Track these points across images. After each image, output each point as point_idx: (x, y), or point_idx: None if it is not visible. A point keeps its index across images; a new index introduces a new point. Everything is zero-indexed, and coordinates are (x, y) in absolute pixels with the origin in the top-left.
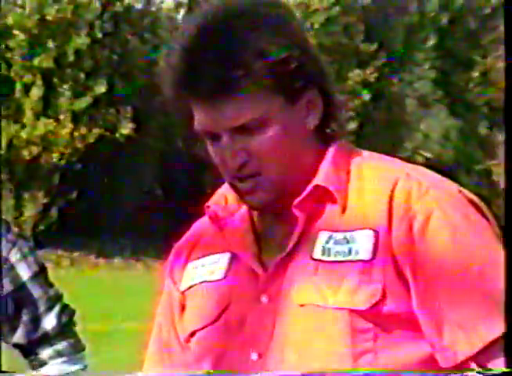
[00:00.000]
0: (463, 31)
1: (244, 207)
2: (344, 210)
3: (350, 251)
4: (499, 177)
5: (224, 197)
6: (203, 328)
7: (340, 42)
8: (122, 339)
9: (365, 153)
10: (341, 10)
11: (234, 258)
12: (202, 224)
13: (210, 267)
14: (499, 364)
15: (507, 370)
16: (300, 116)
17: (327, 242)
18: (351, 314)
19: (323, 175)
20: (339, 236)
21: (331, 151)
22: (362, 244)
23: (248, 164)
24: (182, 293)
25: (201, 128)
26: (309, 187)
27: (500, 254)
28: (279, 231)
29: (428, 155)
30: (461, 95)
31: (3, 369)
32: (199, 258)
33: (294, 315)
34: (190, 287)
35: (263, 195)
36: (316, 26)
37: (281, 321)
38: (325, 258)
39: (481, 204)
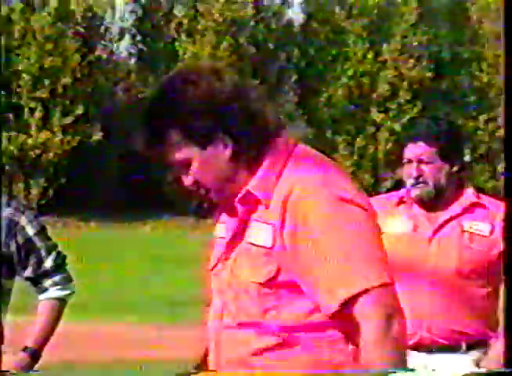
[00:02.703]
0: None
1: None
2: (267, 207)
3: (262, 239)
4: None
5: None
6: (211, 270)
7: None
8: (101, 278)
9: (301, 157)
10: None
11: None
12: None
13: (221, 229)
14: (363, 310)
15: (507, 370)
16: (214, 154)
17: (255, 230)
18: (255, 284)
19: (254, 182)
20: (261, 226)
21: (267, 161)
22: (267, 235)
23: (193, 183)
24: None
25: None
26: (243, 191)
27: (362, 237)
28: (232, 220)
29: None
30: None
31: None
32: (221, 222)
33: (231, 281)
34: (215, 237)
35: (208, 197)
36: None
37: (227, 282)
38: (252, 240)
39: (353, 198)
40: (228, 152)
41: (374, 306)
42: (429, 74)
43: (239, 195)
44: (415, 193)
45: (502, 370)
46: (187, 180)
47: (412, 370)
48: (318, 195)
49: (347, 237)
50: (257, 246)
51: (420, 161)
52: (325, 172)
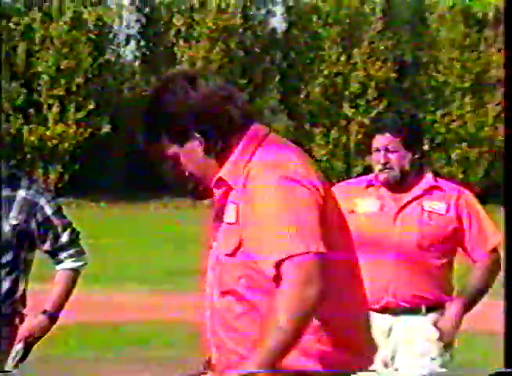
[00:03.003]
0: None
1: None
2: (236, 190)
3: (230, 216)
4: None
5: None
6: (210, 248)
7: None
8: (110, 251)
9: (270, 143)
10: None
11: None
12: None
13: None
14: (287, 273)
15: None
16: (191, 149)
17: (230, 210)
18: (226, 256)
19: (225, 170)
20: (231, 206)
21: (236, 151)
22: (233, 212)
23: (189, 174)
24: None
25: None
26: (216, 177)
27: (298, 212)
28: (215, 203)
29: None
30: None
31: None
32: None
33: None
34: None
35: (199, 186)
36: None
37: (216, 259)
38: (227, 220)
39: (300, 179)
40: (201, 148)
41: (296, 269)
42: (393, 75)
43: (213, 181)
44: (382, 176)
45: (503, 370)
46: (184, 172)
47: (373, 371)
48: (265, 176)
49: (284, 210)
50: (228, 223)
51: (386, 150)
52: (279, 157)
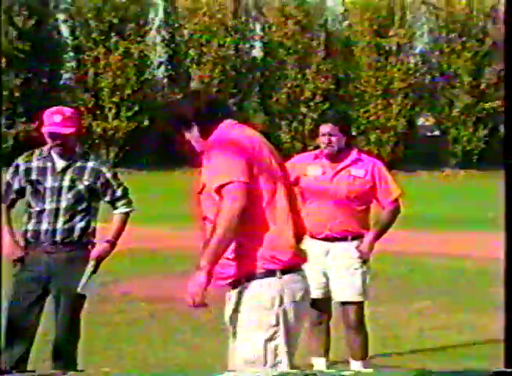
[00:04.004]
0: None
1: None
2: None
3: (203, 170)
4: None
5: None
6: None
7: None
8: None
9: (231, 127)
10: None
11: None
12: None
13: None
14: (224, 195)
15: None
16: (193, 134)
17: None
18: (199, 194)
19: (205, 143)
20: (204, 162)
21: (216, 129)
22: (203, 168)
23: (194, 148)
24: None
25: None
26: (202, 148)
27: (231, 158)
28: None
29: None
30: None
31: None
32: None
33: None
34: None
35: (199, 154)
36: None
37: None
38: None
39: (237, 140)
40: (198, 132)
41: (226, 193)
42: (332, 86)
43: (199, 151)
44: (326, 151)
45: (503, 370)
46: (193, 148)
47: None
48: (213, 139)
49: (221, 159)
50: (200, 173)
51: (329, 134)
52: (229, 131)
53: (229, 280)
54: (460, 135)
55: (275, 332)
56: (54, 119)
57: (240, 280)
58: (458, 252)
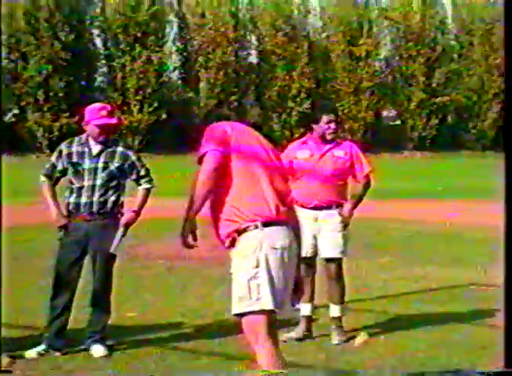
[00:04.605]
0: None
1: None
2: None
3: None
4: None
5: None
6: None
7: None
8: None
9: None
10: None
11: None
12: None
13: None
14: (203, 162)
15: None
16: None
17: None
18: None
19: None
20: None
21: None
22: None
23: None
24: None
25: None
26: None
27: (213, 137)
28: None
29: None
30: None
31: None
32: None
33: None
34: None
35: None
36: None
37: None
38: None
39: (225, 128)
40: None
41: (204, 161)
42: (314, 86)
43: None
44: (331, 137)
45: (503, 370)
46: None
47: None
48: (205, 131)
49: (207, 137)
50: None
51: (334, 122)
52: (225, 124)
53: (228, 239)
54: (416, 124)
55: (257, 272)
56: (101, 113)
57: (235, 237)
58: (415, 218)
